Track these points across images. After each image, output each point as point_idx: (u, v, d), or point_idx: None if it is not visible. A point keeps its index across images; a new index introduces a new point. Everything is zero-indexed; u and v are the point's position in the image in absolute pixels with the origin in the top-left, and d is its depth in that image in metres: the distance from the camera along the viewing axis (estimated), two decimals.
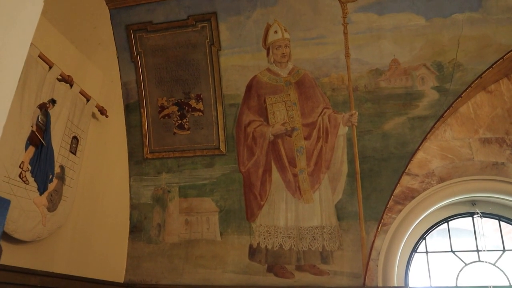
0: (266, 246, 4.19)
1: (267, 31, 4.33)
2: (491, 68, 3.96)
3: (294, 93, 4.37)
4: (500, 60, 3.93)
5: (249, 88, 4.46)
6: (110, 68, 4.55)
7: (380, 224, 4.01)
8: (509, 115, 4.20)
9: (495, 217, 4.25)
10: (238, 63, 4.42)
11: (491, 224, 4.33)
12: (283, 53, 4.35)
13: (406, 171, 4.10)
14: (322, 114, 4.31)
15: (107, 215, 4.30)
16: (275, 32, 4.31)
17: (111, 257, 4.31)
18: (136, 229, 4.54)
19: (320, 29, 4.23)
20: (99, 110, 4.14)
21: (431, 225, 4.30)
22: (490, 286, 3.87)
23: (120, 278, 4.35)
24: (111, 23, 4.51)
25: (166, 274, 4.31)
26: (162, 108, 4.64)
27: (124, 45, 4.57)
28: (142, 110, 4.66)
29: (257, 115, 4.45)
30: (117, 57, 4.62)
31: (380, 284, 3.89)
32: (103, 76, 4.44)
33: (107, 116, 4.26)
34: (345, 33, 4.19)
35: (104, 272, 4.08)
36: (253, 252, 4.20)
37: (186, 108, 4.57)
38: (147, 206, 4.58)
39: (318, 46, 4.26)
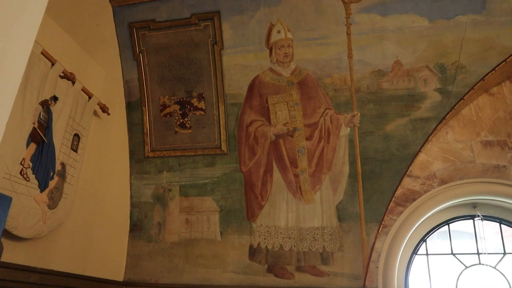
0: (266, 246, 4.18)
1: (270, 31, 4.32)
2: (493, 71, 3.95)
3: (296, 93, 4.37)
4: (503, 63, 3.92)
5: (251, 87, 4.45)
6: (112, 66, 4.54)
7: (381, 226, 4.00)
8: (511, 118, 4.19)
9: (496, 220, 4.24)
10: (241, 63, 4.41)
11: (492, 227, 4.33)
12: (286, 53, 4.34)
13: (407, 173, 4.09)
14: (324, 114, 4.30)
15: (108, 213, 4.30)
16: (278, 32, 4.30)
17: (111, 256, 4.31)
18: (136, 228, 4.53)
19: (323, 30, 4.22)
20: (101, 108, 4.13)
21: (432, 227, 4.29)
22: None
23: (120, 277, 4.35)
24: (114, 21, 4.51)
25: (166, 273, 4.31)
26: (164, 106, 4.63)
27: (126, 43, 4.56)
28: (144, 108, 4.65)
29: (259, 115, 4.44)
30: (120, 55, 4.62)
31: (380, 286, 3.88)
32: (105, 73, 4.43)
33: (108, 114, 4.25)
34: (348, 34, 4.18)
35: (103, 270, 4.08)
36: (253, 252, 4.20)
37: (188, 107, 4.57)
38: (148, 204, 4.57)
39: (321, 47, 4.26)
